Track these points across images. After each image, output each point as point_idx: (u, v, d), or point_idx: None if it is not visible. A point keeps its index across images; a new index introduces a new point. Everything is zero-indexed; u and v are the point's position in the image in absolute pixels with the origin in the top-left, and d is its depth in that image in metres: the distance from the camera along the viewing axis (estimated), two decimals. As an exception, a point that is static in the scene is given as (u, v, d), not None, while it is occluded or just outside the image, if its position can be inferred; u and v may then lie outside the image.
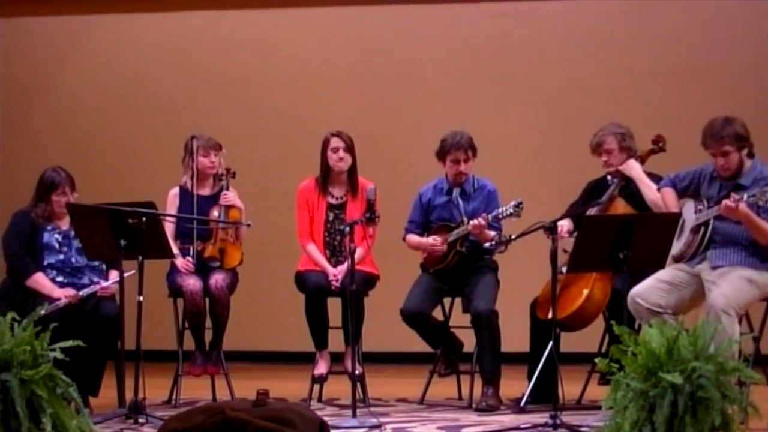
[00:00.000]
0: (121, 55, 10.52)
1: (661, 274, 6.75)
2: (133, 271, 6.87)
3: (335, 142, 7.66)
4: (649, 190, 7.17)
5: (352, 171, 7.69)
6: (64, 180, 7.31)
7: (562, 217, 7.30)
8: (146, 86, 10.46)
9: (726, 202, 6.47)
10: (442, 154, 7.62)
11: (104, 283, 7.23)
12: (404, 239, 7.78)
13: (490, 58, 10.18)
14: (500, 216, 7.35)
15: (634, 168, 7.30)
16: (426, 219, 7.72)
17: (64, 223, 7.34)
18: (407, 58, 10.28)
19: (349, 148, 7.66)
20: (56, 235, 7.29)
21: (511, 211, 7.30)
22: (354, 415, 6.69)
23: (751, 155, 6.72)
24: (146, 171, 9.92)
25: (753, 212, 6.48)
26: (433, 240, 7.56)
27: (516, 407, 7.13)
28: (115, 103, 10.48)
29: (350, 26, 10.37)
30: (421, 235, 7.70)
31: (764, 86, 9.86)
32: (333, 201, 7.74)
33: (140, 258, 6.76)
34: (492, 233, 7.40)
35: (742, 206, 6.42)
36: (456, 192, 7.65)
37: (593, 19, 10.14)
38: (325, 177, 7.73)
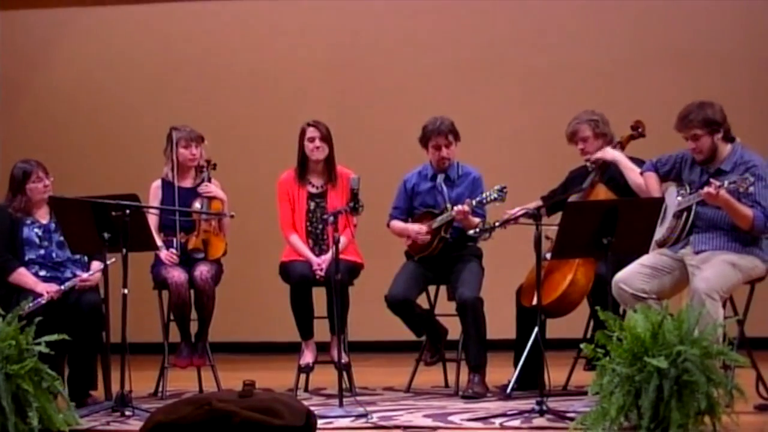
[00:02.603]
0: (105, 47, 10.51)
1: (645, 260, 6.77)
2: (114, 260, 6.86)
3: (311, 131, 7.66)
4: (632, 173, 7.17)
5: (330, 160, 7.69)
6: (35, 167, 7.28)
7: (544, 204, 7.32)
8: (131, 78, 10.45)
9: (707, 189, 6.48)
10: (424, 141, 7.63)
11: (85, 275, 7.21)
12: (388, 225, 7.78)
13: (474, 45, 10.20)
14: (484, 201, 7.36)
15: (613, 153, 7.31)
16: (410, 205, 7.73)
17: (43, 216, 7.31)
18: (390, 45, 10.28)
19: (325, 138, 7.66)
20: (36, 230, 7.26)
21: (495, 195, 7.31)
22: (341, 405, 6.69)
23: (730, 139, 6.72)
24: (132, 163, 9.90)
25: (734, 198, 6.49)
26: (419, 228, 7.56)
27: (502, 394, 7.14)
28: (99, 96, 10.47)
29: (332, 14, 10.36)
30: (405, 221, 7.71)
31: (746, 71, 9.90)
32: (313, 190, 7.74)
33: (124, 251, 6.74)
34: (476, 220, 7.41)
35: (723, 193, 6.43)
36: (440, 178, 7.65)
37: (576, 5, 10.15)
38: (303, 167, 7.73)
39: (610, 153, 7.31)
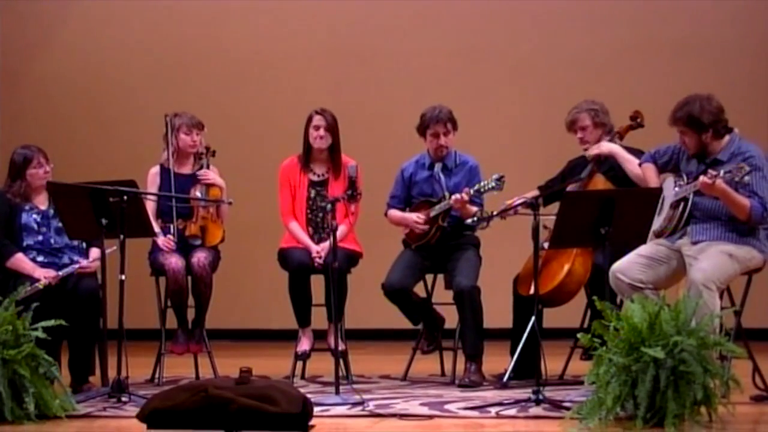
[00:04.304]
0: (106, 34, 10.48)
1: (642, 250, 6.77)
2: (114, 248, 6.86)
3: (317, 120, 7.65)
4: (630, 164, 7.17)
5: (334, 149, 7.69)
6: (36, 153, 7.28)
7: (541, 194, 7.31)
8: (130, 65, 10.43)
9: (703, 178, 6.47)
10: (422, 129, 7.63)
11: (84, 262, 7.21)
12: (386, 215, 7.78)
13: (473, 34, 10.19)
14: (482, 190, 7.35)
15: (609, 147, 7.30)
16: (408, 194, 7.73)
17: (42, 202, 7.30)
18: (389, 34, 10.27)
19: (331, 127, 7.65)
20: (34, 216, 7.25)
21: (493, 184, 7.30)
22: (337, 392, 6.70)
23: (725, 131, 6.69)
24: (130, 149, 9.88)
25: (731, 188, 6.49)
26: (417, 218, 7.56)
27: (499, 383, 7.15)
28: (98, 83, 10.44)
29: (331, 3, 10.34)
30: (403, 210, 7.71)
31: (745, 61, 9.90)
32: (314, 178, 7.73)
33: (122, 237, 6.74)
34: (474, 209, 7.40)
35: (719, 182, 6.43)
36: (438, 167, 7.65)
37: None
38: (307, 154, 7.73)
39: (606, 147, 7.31)
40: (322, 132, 7.63)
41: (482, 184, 7.36)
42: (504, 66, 10.14)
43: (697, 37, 9.92)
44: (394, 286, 7.45)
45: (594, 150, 7.33)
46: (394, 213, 7.74)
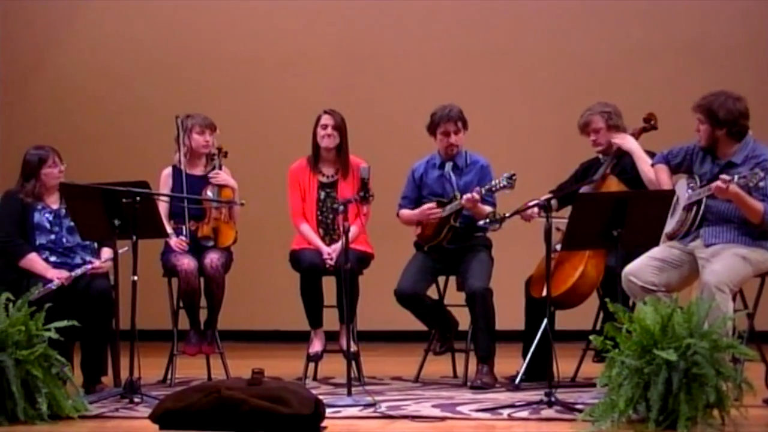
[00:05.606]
0: (116, 34, 10.49)
1: (655, 252, 6.76)
2: (126, 248, 6.87)
3: (325, 119, 7.67)
4: (646, 165, 7.15)
5: (342, 150, 7.69)
6: (50, 153, 7.29)
7: (554, 196, 7.30)
8: (141, 65, 10.44)
9: (717, 183, 6.46)
10: (432, 128, 7.63)
11: (96, 263, 7.21)
12: (398, 215, 7.78)
13: (482, 35, 10.18)
14: (493, 188, 7.34)
15: (632, 142, 7.29)
16: (419, 194, 7.72)
17: (54, 202, 7.30)
18: (399, 35, 10.27)
19: (339, 127, 7.66)
20: (47, 215, 7.26)
21: (505, 183, 7.29)
22: (349, 394, 6.70)
23: (740, 136, 6.67)
24: (142, 150, 9.89)
25: (744, 192, 6.47)
26: (429, 205, 7.55)
27: (511, 385, 7.15)
28: (109, 83, 10.45)
29: (342, 3, 10.34)
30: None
31: (756, 63, 9.87)
32: (324, 180, 7.74)
33: (134, 238, 6.75)
34: (487, 208, 7.39)
35: (733, 187, 6.42)
36: (448, 166, 7.65)
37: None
38: (316, 155, 7.74)
39: (629, 142, 7.28)
40: (329, 130, 7.65)
41: (494, 183, 7.35)
42: (515, 67, 10.13)
43: (710, 39, 9.90)
44: (407, 292, 7.44)
45: (617, 140, 7.30)
46: (405, 212, 7.74)
